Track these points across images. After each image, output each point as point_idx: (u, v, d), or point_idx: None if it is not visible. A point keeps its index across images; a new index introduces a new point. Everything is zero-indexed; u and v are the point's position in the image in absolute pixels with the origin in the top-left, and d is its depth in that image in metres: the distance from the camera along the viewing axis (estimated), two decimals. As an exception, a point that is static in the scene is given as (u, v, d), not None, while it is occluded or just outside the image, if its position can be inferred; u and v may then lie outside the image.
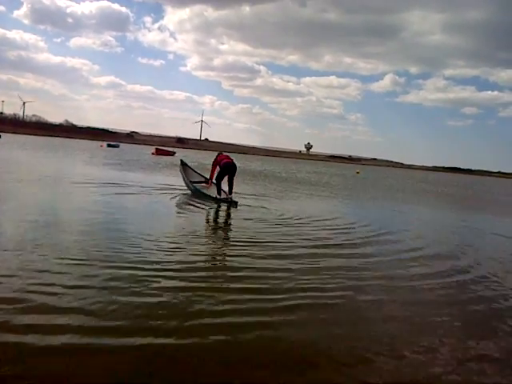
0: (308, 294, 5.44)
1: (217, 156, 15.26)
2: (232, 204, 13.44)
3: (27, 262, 5.69)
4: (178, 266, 6.14)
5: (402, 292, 6.05)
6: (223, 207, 12.97)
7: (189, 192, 15.44)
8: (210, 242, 8.27)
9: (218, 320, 4.46)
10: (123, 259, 6.18)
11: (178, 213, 11.88)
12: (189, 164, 17.35)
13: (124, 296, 4.81)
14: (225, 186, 14.14)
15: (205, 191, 14.98)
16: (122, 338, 3.89)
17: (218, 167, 14.76)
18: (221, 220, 11.57)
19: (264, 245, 7.92)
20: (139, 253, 6.63)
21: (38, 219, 8.64)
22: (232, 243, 8.28)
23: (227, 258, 7.14)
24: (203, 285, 5.45)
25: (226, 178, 14.50)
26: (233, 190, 14.33)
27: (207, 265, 6.63)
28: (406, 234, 10.82)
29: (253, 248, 7.59)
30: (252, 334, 4.22)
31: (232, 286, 5.57)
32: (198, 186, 15.54)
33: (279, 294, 5.34)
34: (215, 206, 13.08)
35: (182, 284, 5.42)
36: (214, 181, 14.83)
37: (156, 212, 11.40)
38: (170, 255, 6.73)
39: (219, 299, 4.96)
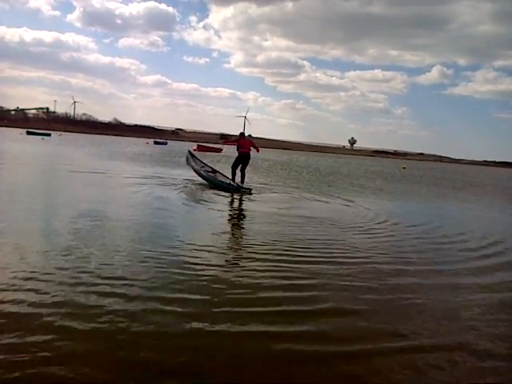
0: None
1: (239, 138, 15.51)
2: (246, 191, 13.66)
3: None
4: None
5: None
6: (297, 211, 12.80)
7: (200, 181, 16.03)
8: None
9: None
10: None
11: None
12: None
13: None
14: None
15: (219, 179, 15.35)
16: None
17: (236, 152, 15.41)
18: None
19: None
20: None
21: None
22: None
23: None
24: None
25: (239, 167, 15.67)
26: (245, 179, 15.02)
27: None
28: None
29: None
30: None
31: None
32: (210, 174, 16.11)
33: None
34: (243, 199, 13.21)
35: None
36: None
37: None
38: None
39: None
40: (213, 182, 15.25)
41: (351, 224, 10.53)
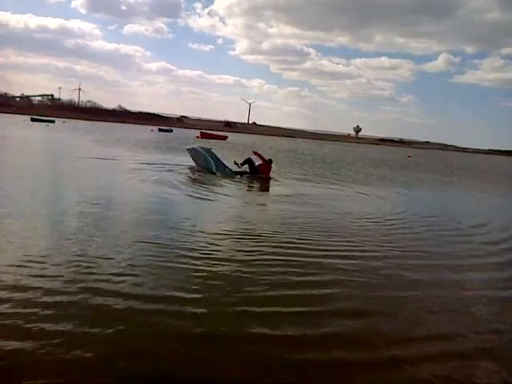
0: None
1: (268, 162, 15.74)
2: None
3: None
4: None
5: None
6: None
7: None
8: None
9: None
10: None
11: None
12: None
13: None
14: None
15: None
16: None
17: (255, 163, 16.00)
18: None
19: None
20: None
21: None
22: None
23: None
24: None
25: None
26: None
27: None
28: None
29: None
30: None
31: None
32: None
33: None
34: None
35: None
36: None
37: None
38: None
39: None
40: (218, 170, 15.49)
41: (365, 214, 10.50)
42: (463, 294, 5.61)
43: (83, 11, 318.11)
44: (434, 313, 4.94)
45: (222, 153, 23.27)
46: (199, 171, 16.01)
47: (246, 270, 5.70)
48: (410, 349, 4.01)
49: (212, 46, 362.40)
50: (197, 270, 5.47)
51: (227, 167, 16.10)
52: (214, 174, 15.32)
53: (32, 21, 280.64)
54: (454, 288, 5.79)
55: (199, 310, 4.38)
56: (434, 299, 5.29)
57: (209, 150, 16.83)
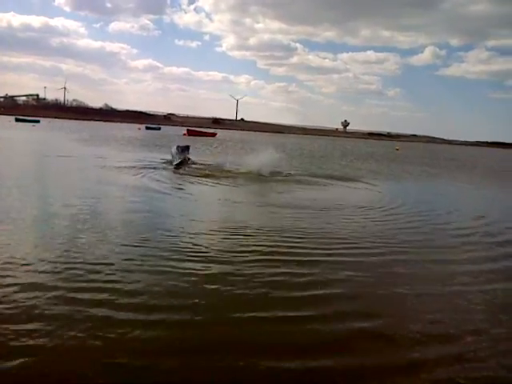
0: None
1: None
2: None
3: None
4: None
5: None
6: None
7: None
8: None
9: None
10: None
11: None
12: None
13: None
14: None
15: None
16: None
17: None
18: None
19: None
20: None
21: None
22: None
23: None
24: None
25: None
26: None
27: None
28: None
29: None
30: None
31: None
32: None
33: None
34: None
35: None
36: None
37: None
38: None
39: None
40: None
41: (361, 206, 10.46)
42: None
43: (67, 9, 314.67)
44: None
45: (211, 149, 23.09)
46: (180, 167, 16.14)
47: (241, 271, 5.53)
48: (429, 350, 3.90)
49: (199, 43, 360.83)
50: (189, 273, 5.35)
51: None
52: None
53: (15, 19, 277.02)
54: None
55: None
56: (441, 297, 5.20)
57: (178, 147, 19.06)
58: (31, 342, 3.54)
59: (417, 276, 5.85)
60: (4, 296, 4.28)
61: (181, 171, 15.41)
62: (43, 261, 5.29)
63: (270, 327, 4.15)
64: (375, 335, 4.11)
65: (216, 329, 4.05)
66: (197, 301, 4.48)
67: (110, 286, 4.70)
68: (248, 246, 6.65)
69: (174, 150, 18.65)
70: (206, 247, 6.33)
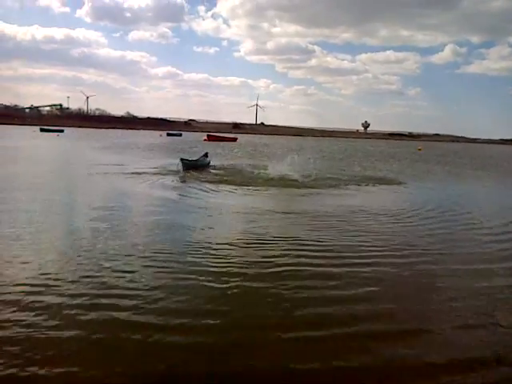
0: None
1: None
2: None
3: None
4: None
5: None
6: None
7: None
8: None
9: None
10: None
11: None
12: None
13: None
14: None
15: None
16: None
17: None
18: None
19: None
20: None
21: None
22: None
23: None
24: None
25: None
26: None
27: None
28: None
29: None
30: None
31: None
32: None
33: None
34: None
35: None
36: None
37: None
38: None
39: None
40: None
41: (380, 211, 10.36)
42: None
43: (88, 20, 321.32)
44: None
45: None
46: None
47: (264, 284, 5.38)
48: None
49: (217, 49, 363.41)
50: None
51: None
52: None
53: (39, 32, 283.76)
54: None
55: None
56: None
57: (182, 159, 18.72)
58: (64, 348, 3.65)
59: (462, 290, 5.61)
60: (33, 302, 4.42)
61: (201, 177, 15.49)
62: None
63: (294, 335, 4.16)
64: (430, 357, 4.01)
65: (237, 334, 4.13)
66: (226, 308, 4.56)
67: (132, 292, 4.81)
68: (274, 256, 6.61)
69: (179, 164, 17.89)
70: (228, 257, 6.38)
